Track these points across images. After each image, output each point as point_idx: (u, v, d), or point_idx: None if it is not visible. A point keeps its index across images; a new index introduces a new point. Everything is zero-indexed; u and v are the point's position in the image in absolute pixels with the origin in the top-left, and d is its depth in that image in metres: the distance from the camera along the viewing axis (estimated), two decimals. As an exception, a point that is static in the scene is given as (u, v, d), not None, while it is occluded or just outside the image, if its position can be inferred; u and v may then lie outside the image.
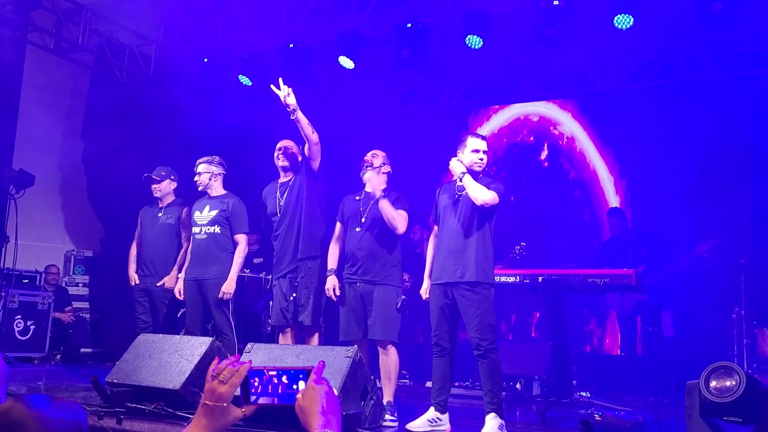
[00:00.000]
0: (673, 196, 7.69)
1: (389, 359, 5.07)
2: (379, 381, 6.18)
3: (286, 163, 5.52)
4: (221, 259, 5.87)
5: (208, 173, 6.02)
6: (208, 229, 5.90)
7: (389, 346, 5.06)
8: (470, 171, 4.78)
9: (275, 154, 5.56)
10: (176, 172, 6.61)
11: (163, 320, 6.39)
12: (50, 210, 9.42)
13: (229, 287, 5.76)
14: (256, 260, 8.40)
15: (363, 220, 5.22)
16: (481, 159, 4.83)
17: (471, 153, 4.82)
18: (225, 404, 1.60)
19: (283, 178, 5.58)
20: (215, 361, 1.67)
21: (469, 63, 8.42)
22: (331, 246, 5.38)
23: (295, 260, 5.36)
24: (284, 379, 1.65)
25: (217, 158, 6.12)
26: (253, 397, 1.64)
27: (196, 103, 9.40)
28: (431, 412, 4.74)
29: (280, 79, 5.22)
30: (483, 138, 4.94)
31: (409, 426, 4.60)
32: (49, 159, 9.31)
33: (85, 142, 9.58)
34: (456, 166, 4.77)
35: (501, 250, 7.92)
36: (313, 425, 1.52)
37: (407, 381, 7.59)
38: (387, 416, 4.72)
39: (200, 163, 6.06)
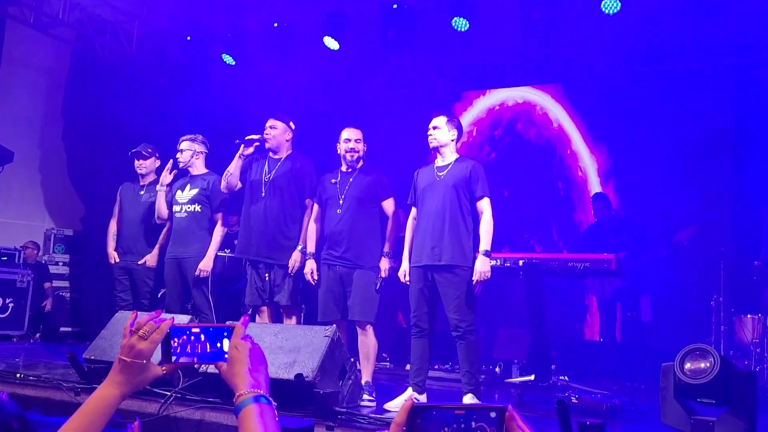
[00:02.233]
0: (656, 182, 7.73)
1: (368, 339, 5.07)
2: (359, 362, 6.18)
3: (270, 145, 5.47)
4: (201, 238, 5.83)
5: (190, 151, 5.97)
6: (189, 208, 5.86)
7: (368, 326, 5.06)
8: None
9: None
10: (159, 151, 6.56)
11: (149, 302, 6.34)
12: (30, 187, 9.31)
13: (206, 265, 5.73)
14: (236, 241, 8.35)
15: (341, 202, 5.19)
16: (430, 134, 4.90)
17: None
18: (144, 361, 1.51)
19: (274, 155, 5.52)
20: (132, 316, 1.57)
21: (456, 46, 8.38)
22: (308, 228, 5.34)
23: (276, 246, 5.33)
24: (207, 337, 1.56)
25: (200, 137, 6.06)
26: (176, 357, 1.55)
27: (179, 81, 9.30)
28: (409, 393, 4.75)
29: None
30: (440, 114, 4.98)
31: (387, 405, 4.61)
32: (28, 136, 9.19)
33: (65, 119, 9.46)
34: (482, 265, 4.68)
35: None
36: (240, 386, 1.44)
37: (387, 364, 7.61)
38: (365, 396, 4.72)
39: (183, 140, 6.01)
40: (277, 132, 5.46)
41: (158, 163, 6.49)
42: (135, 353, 1.51)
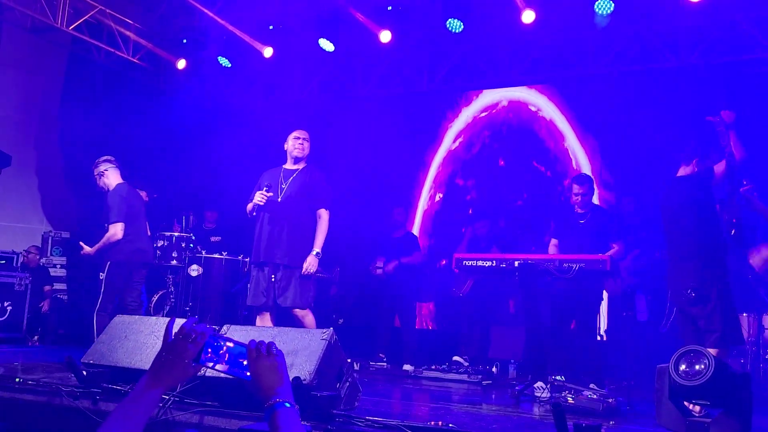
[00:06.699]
0: (653, 181, 7.75)
1: None
2: (356, 363, 6.19)
3: (302, 154, 5.50)
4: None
5: (96, 176, 6.34)
6: None
7: None
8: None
9: (293, 143, 5.51)
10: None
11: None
12: (27, 191, 9.31)
13: (88, 250, 6.29)
14: (213, 239, 8.31)
15: None
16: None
17: None
18: (187, 361, 1.70)
19: (291, 165, 5.54)
20: (168, 320, 1.75)
21: (450, 47, 8.40)
22: None
23: (287, 249, 5.33)
24: (234, 350, 1.75)
25: (103, 158, 6.35)
26: (204, 362, 1.73)
27: (175, 83, 9.31)
28: None
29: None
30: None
31: None
32: (25, 139, 9.20)
33: (62, 122, 9.46)
34: None
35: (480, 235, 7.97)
36: (266, 398, 1.68)
37: (384, 364, 7.62)
38: None
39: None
40: (308, 144, 5.52)
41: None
42: (186, 354, 1.70)
